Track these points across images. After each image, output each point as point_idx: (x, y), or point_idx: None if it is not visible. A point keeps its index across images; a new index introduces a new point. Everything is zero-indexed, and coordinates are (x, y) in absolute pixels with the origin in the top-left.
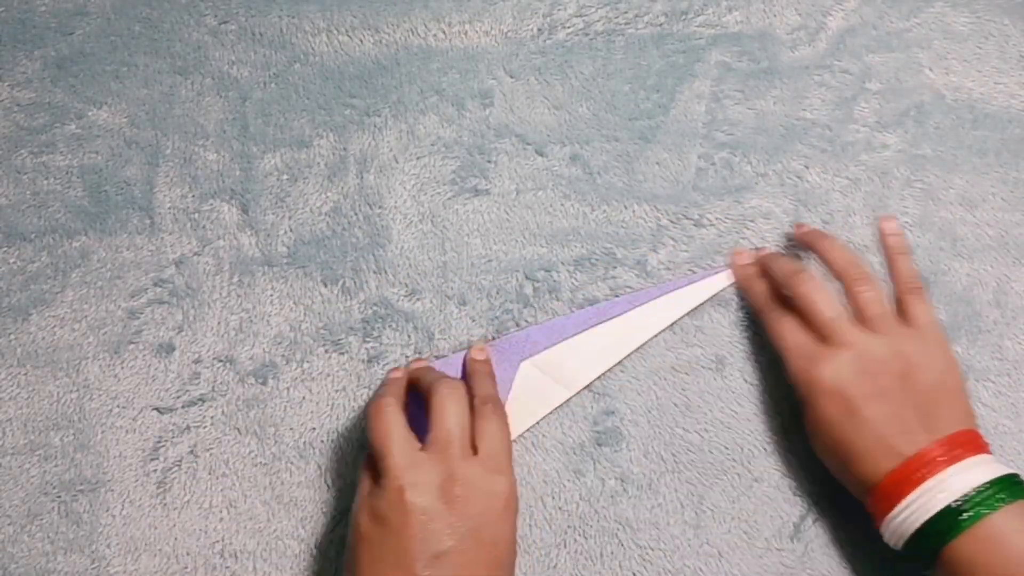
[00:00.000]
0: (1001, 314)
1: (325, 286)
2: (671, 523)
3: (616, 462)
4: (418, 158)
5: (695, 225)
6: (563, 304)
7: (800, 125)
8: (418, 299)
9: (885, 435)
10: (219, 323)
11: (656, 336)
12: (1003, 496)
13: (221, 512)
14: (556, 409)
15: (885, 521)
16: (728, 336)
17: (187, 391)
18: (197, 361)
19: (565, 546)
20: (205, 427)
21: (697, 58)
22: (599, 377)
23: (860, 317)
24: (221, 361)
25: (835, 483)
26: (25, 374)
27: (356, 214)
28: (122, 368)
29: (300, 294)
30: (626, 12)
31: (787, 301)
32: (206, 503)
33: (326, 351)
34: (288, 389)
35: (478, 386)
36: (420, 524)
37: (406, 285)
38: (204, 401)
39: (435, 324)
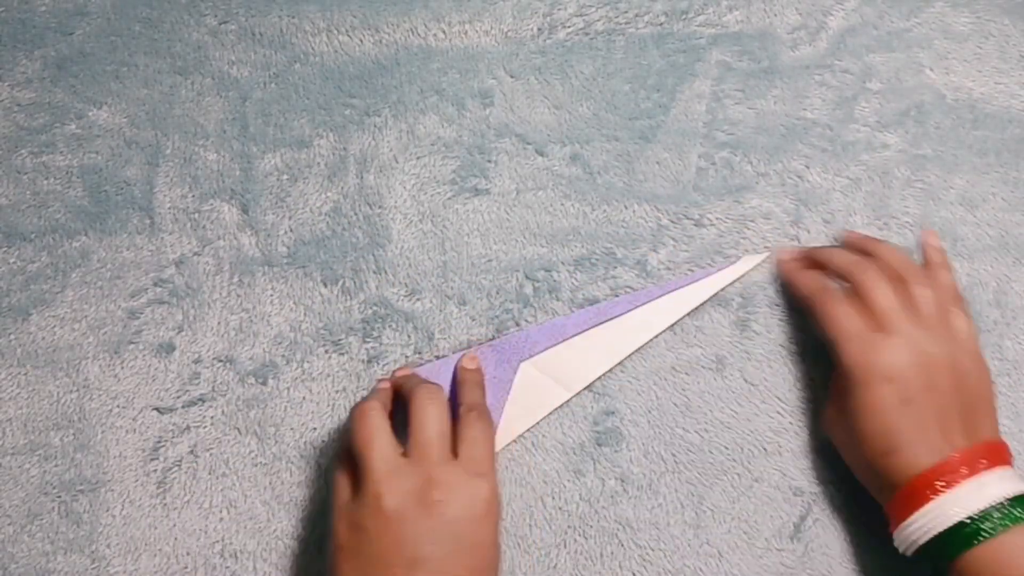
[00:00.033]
0: (1001, 314)
1: (325, 286)
2: (671, 523)
3: (616, 462)
4: (418, 158)
5: (695, 225)
6: (563, 304)
7: (801, 125)
8: (418, 299)
9: (931, 429)
10: (219, 323)
11: (656, 336)
12: (1019, 514)
13: (221, 512)
14: (556, 409)
15: (902, 526)
16: (728, 336)
17: (187, 391)
18: (197, 361)
19: (565, 546)
20: (205, 427)
21: (697, 57)
22: (599, 378)
23: (914, 313)
24: (221, 361)
25: (835, 483)
26: (25, 374)
27: (356, 214)
28: (122, 368)
29: (300, 294)
30: (626, 12)
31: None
32: (206, 503)
33: (326, 351)
34: (288, 389)
35: (466, 394)
36: (397, 530)
37: (406, 285)
38: (204, 401)
39: (435, 324)
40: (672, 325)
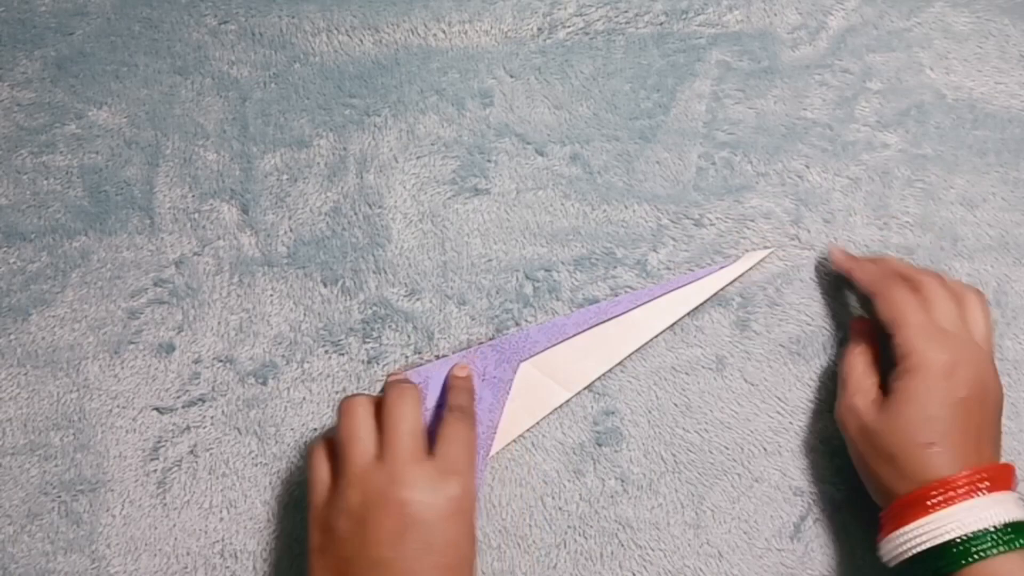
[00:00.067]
0: (1001, 314)
1: (325, 286)
2: (671, 523)
3: (616, 462)
4: (418, 158)
5: (695, 225)
6: (563, 304)
7: (801, 124)
8: (418, 299)
9: (970, 438)
10: (219, 323)
11: (656, 336)
12: (1010, 541)
13: (221, 512)
14: (556, 409)
15: (894, 534)
16: (728, 336)
17: (187, 391)
18: (197, 361)
19: (565, 546)
20: (205, 427)
21: (698, 57)
22: (599, 378)
23: (967, 330)
24: (221, 361)
25: (835, 483)
26: (25, 374)
27: (356, 214)
28: (122, 368)
29: (300, 294)
30: (626, 11)
31: None
32: (206, 503)
33: (326, 351)
34: (288, 389)
35: (453, 397)
36: (362, 531)
37: (406, 285)
38: (204, 401)
39: (435, 324)
40: (672, 325)
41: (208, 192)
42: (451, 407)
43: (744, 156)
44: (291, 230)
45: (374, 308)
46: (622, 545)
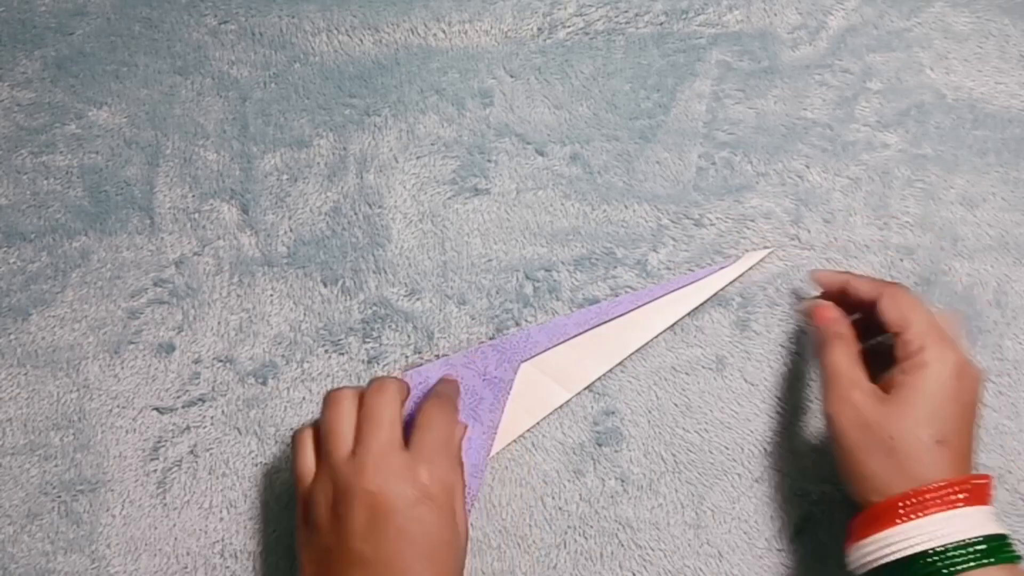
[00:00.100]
0: (1001, 314)
1: (325, 286)
2: (671, 523)
3: (616, 462)
4: (418, 157)
5: (696, 225)
6: (563, 304)
7: (801, 124)
8: (418, 299)
9: (968, 443)
10: (219, 323)
11: (657, 336)
12: (980, 556)
13: (221, 512)
14: (556, 410)
15: (862, 542)
16: (728, 336)
17: (187, 391)
18: (197, 361)
19: (565, 546)
20: (205, 427)
21: (698, 57)
22: (599, 378)
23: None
24: (221, 361)
25: (835, 483)
26: (25, 374)
27: (356, 214)
28: (122, 368)
29: (300, 294)
30: (626, 11)
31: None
32: (206, 503)
33: (326, 351)
34: (288, 389)
35: (436, 385)
36: (337, 525)
37: (406, 285)
38: (204, 401)
39: (435, 324)
40: (672, 325)
41: (208, 192)
42: (431, 394)
43: (744, 156)
44: (291, 230)
45: (374, 308)
46: (622, 545)
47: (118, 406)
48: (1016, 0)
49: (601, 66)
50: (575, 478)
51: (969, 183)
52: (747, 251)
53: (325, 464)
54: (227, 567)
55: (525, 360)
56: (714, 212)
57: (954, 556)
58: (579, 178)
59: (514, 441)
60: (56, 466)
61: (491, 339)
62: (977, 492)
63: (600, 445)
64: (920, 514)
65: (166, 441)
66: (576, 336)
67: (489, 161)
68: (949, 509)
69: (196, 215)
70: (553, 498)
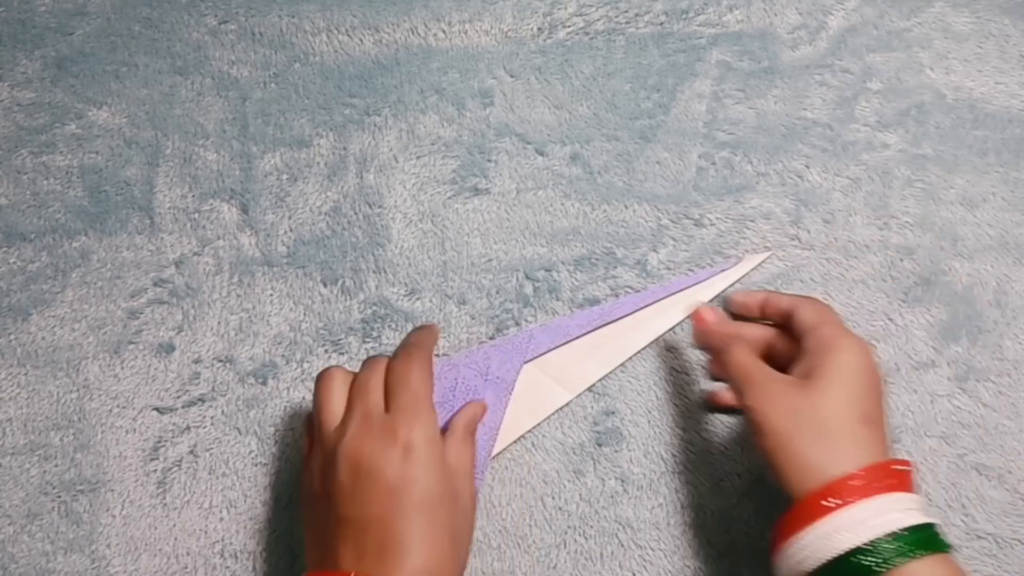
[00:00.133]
0: (1001, 314)
1: (325, 286)
2: (671, 523)
3: (616, 462)
4: (418, 157)
5: (696, 225)
6: (563, 304)
7: (801, 124)
8: (418, 299)
9: (884, 426)
10: (219, 323)
11: (657, 338)
12: (913, 548)
13: (221, 512)
14: (557, 411)
15: (796, 536)
16: None
17: (187, 391)
18: (197, 361)
19: (565, 546)
20: (205, 427)
21: (698, 57)
22: (601, 379)
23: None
24: (221, 361)
25: None
26: (25, 374)
27: (356, 214)
28: (122, 368)
29: (300, 294)
30: (627, 11)
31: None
32: (206, 503)
33: (326, 351)
34: (288, 389)
35: (408, 337)
36: (324, 493)
37: (406, 285)
38: (204, 401)
39: (435, 323)
40: (673, 327)
41: (208, 192)
42: (400, 346)
43: (744, 156)
44: (291, 230)
45: (374, 308)
46: (622, 545)
47: (118, 406)
48: (1016, 0)
49: (601, 66)
50: (575, 478)
51: (969, 183)
52: (747, 252)
53: (317, 437)
54: (227, 567)
55: (527, 361)
56: (714, 212)
57: (887, 548)
58: (579, 178)
59: (515, 442)
60: (56, 466)
61: (491, 339)
62: (901, 477)
63: (600, 445)
64: (855, 499)
65: (166, 441)
66: (578, 338)
67: (489, 161)
68: (881, 494)
69: (196, 215)
70: (553, 498)
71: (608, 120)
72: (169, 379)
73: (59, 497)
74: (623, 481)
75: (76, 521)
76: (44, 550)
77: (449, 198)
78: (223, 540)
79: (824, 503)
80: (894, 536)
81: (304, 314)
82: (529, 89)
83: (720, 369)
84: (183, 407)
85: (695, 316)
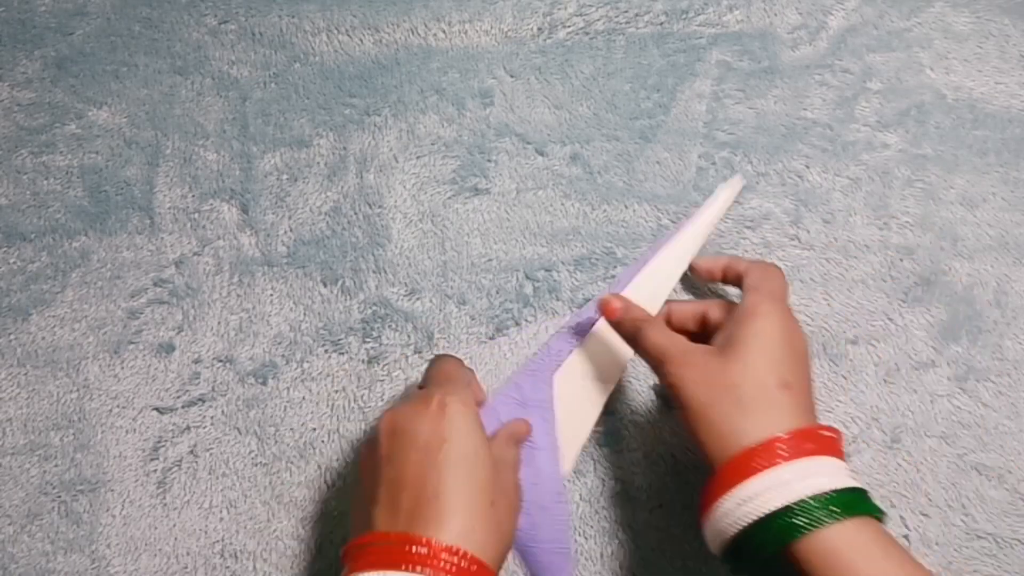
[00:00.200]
0: (1001, 314)
1: (325, 286)
2: (671, 524)
3: (617, 462)
4: (418, 157)
5: None
6: (563, 304)
7: (801, 124)
8: (418, 299)
9: (809, 391)
10: (219, 323)
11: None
12: (842, 509)
13: (221, 512)
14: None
15: (721, 500)
16: None
17: (187, 391)
18: (197, 361)
19: None
20: (205, 427)
21: (698, 57)
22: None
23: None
24: (221, 361)
25: None
26: (25, 374)
27: (356, 214)
28: (122, 368)
29: (300, 294)
30: (627, 11)
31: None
32: (206, 503)
33: (326, 351)
34: (288, 389)
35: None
36: (370, 466)
37: (406, 284)
38: (204, 401)
39: (435, 323)
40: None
41: (208, 192)
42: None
43: (744, 156)
44: (291, 230)
45: (374, 308)
46: (622, 545)
47: (118, 406)
48: (1016, 0)
49: (601, 66)
50: (575, 478)
51: (969, 183)
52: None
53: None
54: (227, 567)
55: (555, 371)
56: None
57: (814, 508)
58: (579, 178)
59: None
60: (56, 466)
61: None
62: (827, 443)
63: (600, 445)
64: (780, 462)
65: (166, 441)
66: (591, 336)
67: (489, 161)
68: (807, 456)
69: (196, 215)
70: None
71: (608, 120)
72: (169, 379)
73: (59, 497)
74: (624, 481)
75: (76, 521)
76: (44, 550)
77: (449, 198)
78: (223, 540)
79: (751, 464)
80: (824, 497)
81: (304, 314)
82: (529, 89)
83: (638, 354)
84: (183, 407)
85: (601, 308)
